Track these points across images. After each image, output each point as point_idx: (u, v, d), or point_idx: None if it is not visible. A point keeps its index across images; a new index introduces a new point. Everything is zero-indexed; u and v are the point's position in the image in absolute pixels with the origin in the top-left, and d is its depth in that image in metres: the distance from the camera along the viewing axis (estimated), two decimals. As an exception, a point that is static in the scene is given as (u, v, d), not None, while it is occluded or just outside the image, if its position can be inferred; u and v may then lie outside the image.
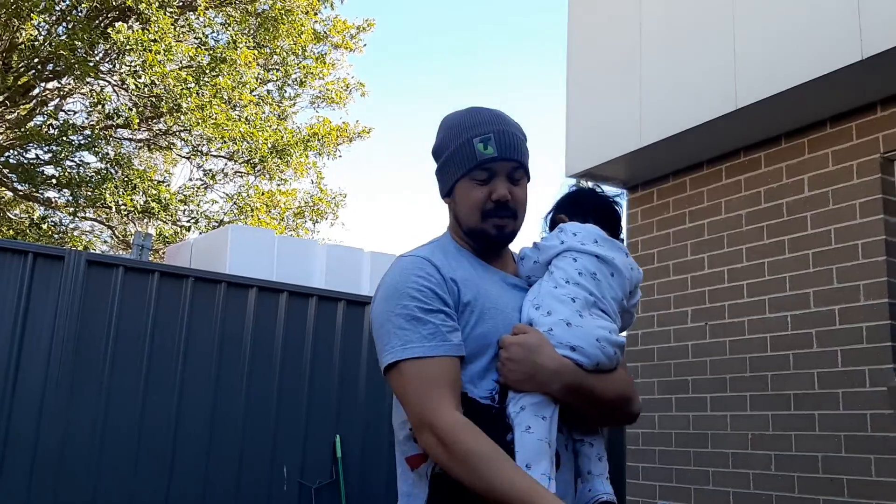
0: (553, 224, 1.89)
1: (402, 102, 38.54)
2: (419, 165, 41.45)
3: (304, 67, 14.97)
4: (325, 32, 15.00)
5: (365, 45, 15.68)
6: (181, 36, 13.51)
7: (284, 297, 6.08)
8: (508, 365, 1.60)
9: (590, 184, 1.90)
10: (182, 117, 12.34)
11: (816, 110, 4.85)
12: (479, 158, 1.70)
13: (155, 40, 11.67)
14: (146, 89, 12.21)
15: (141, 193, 12.93)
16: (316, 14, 14.68)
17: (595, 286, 1.69)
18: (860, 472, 4.43)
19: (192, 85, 12.21)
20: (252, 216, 14.15)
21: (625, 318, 1.80)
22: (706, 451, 5.52)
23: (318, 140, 14.48)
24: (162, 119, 13.43)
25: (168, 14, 12.42)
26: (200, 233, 13.23)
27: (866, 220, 4.57)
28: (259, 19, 14.13)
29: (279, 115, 14.78)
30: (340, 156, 15.37)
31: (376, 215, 36.28)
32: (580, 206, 1.90)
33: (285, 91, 15.23)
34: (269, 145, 13.34)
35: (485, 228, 1.72)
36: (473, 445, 1.52)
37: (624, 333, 1.80)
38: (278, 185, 14.81)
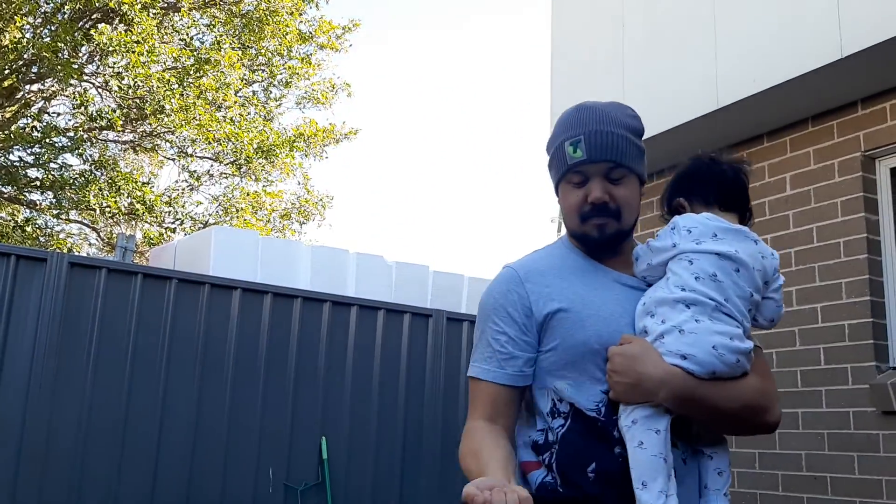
0: (671, 206, 1.78)
1: (389, 103, 38.53)
2: (407, 166, 41.43)
3: (289, 68, 14.94)
4: (310, 33, 14.96)
5: (351, 45, 15.68)
6: (165, 37, 13.45)
7: (269, 299, 6.06)
8: (613, 377, 1.56)
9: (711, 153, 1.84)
10: (166, 119, 12.28)
11: (797, 109, 4.87)
12: (569, 163, 1.67)
13: (138, 42, 11.61)
14: (130, 91, 12.15)
15: (126, 195, 12.86)
16: (301, 14, 14.65)
17: (716, 289, 1.56)
18: (843, 469, 4.45)
19: (176, 86, 12.15)
20: (238, 217, 14.10)
21: (767, 308, 1.67)
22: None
23: (305, 141, 14.46)
24: (146, 121, 13.38)
25: (151, 15, 12.36)
26: (186, 234, 13.17)
27: (848, 217, 4.60)
28: (244, 20, 14.09)
29: (265, 116, 14.74)
30: (327, 157, 15.39)
31: (363, 216, 36.24)
32: (700, 182, 1.75)
33: (271, 92, 15.20)
34: (255, 146, 13.31)
35: (586, 231, 1.68)
36: (465, 444, 1.65)
37: (767, 330, 1.73)
38: (264, 186, 14.78)
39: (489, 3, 45.07)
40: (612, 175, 1.65)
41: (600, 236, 1.66)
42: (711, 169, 1.76)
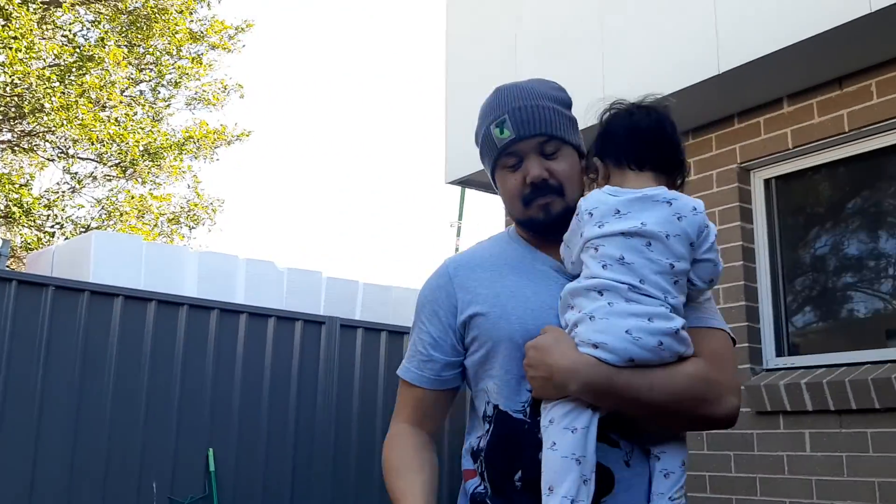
0: (588, 168, 1.61)
1: (283, 105, 37.95)
2: (301, 169, 40.88)
3: (179, 68, 14.50)
4: (201, 32, 14.57)
5: (244, 46, 15.34)
6: (46, 33, 12.82)
7: (153, 307, 5.84)
8: (529, 371, 1.43)
9: (629, 100, 1.60)
10: (46, 118, 11.71)
11: (680, 122, 5.06)
12: (498, 146, 1.56)
13: (16, 37, 11.03)
14: (7, 88, 11.53)
15: (2, 198, 12.18)
16: (192, 13, 14.25)
17: (626, 272, 1.39)
18: (721, 468, 4.63)
19: (57, 84, 11.60)
20: (122, 222, 13.56)
21: (702, 270, 1.47)
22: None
23: (194, 143, 14.05)
24: (25, 120, 12.71)
25: (31, 10, 11.76)
26: (66, 239, 12.58)
27: (725, 226, 4.80)
28: (131, 17, 13.59)
29: (152, 117, 14.25)
30: (218, 159, 14.99)
31: (256, 221, 35.53)
32: (612, 139, 1.56)
33: (159, 92, 14.70)
34: (141, 148, 12.84)
35: (531, 215, 1.56)
36: (387, 455, 1.62)
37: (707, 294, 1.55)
38: (151, 189, 14.27)
39: (387, 7, 45.09)
40: (546, 150, 1.55)
41: (546, 217, 1.54)
42: (623, 122, 1.57)
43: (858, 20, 3.74)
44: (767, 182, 4.84)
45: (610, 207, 1.44)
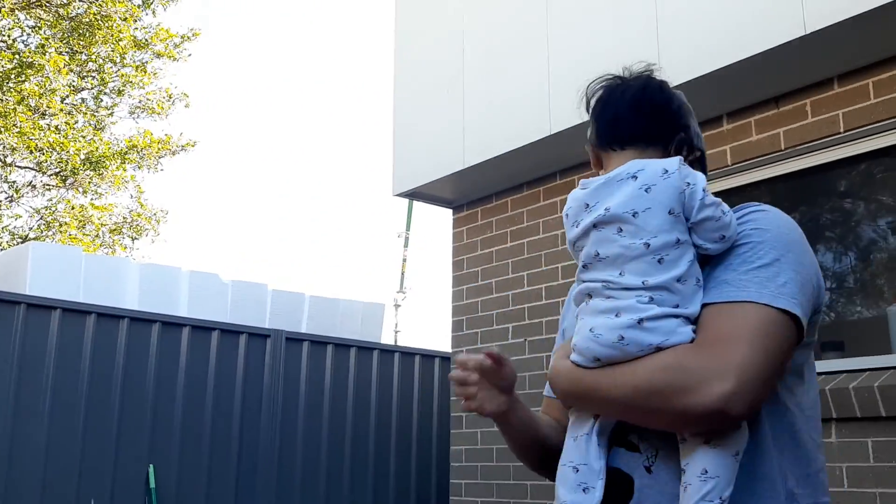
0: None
1: (228, 114, 37.54)
2: (247, 180, 40.43)
3: (122, 76, 14.24)
4: (146, 40, 14.34)
5: (190, 55, 15.13)
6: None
7: (92, 320, 5.71)
8: None
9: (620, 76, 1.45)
10: (-18, 125, 11.40)
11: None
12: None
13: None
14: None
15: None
16: (136, 21, 14.02)
17: (604, 267, 1.29)
18: None
19: (-5, 90, 11.31)
20: (62, 232, 13.24)
21: (704, 230, 1.28)
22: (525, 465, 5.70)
23: (138, 152, 13.80)
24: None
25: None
26: (3, 250, 12.22)
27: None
28: (73, 24, 13.31)
29: (94, 126, 13.95)
30: (162, 169, 14.72)
31: (201, 232, 35.02)
32: (595, 124, 1.45)
33: (101, 100, 14.42)
34: (82, 156, 12.56)
35: None
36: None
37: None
38: (92, 199, 13.97)
39: (335, 18, 45.00)
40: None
41: None
42: (600, 100, 1.45)
43: (794, 41, 3.86)
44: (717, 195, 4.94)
45: (579, 202, 1.35)
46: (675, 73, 4.36)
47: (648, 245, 1.26)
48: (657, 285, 1.25)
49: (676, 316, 1.25)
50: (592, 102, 1.45)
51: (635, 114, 1.39)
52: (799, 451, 1.30)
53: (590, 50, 4.93)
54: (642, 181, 1.29)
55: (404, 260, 17.19)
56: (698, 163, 1.43)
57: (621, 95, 1.41)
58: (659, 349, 1.22)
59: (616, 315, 1.25)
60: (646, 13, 4.62)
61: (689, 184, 1.28)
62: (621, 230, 1.27)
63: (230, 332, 6.41)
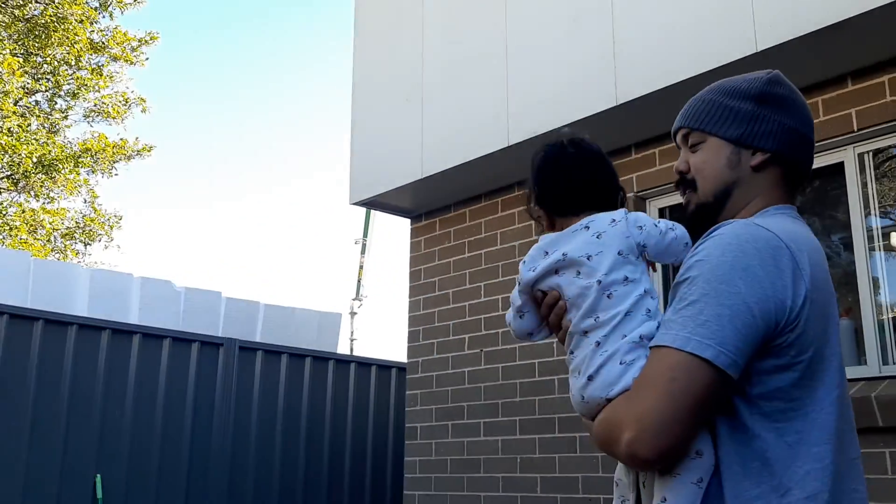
0: (531, 213, 1.63)
1: (186, 120, 37.14)
2: (203, 186, 39.98)
3: (78, 79, 14.00)
4: (103, 43, 14.12)
5: (147, 59, 14.94)
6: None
7: (40, 326, 5.58)
8: None
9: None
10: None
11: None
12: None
13: None
14: None
15: None
16: (93, 24, 13.80)
17: (573, 310, 1.45)
18: (548, 469, 4.93)
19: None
20: (12, 237, 12.94)
21: (653, 248, 1.47)
22: (479, 475, 5.67)
23: (92, 156, 13.56)
24: None
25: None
26: (-50, 254, 11.90)
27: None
28: (28, 25, 13.06)
29: (48, 129, 13.69)
30: (117, 174, 14.49)
31: (156, 238, 34.53)
32: (551, 195, 1.55)
33: (56, 103, 14.15)
34: (35, 160, 12.30)
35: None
36: None
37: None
38: (44, 203, 13.68)
39: (294, 26, 44.87)
40: (689, 141, 1.56)
41: (686, 214, 1.56)
42: (557, 173, 1.57)
43: (747, 58, 3.93)
44: (662, 211, 5.00)
45: (539, 251, 1.50)
46: (631, 86, 4.41)
47: (600, 282, 1.41)
48: (606, 321, 1.39)
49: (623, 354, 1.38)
50: (546, 170, 1.57)
51: (594, 185, 1.54)
52: (773, 479, 1.29)
53: (548, 63, 4.97)
54: (594, 230, 1.46)
55: (361, 267, 17.05)
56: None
57: (585, 171, 1.55)
58: (608, 401, 1.35)
59: (578, 374, 1.41)
60: (602, 29, 4.66)
61: (640, 227, 1.46)
62: (579, 273, 1.43)
63: (182, 341, 6.31)
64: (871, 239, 4.13)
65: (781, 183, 1.51)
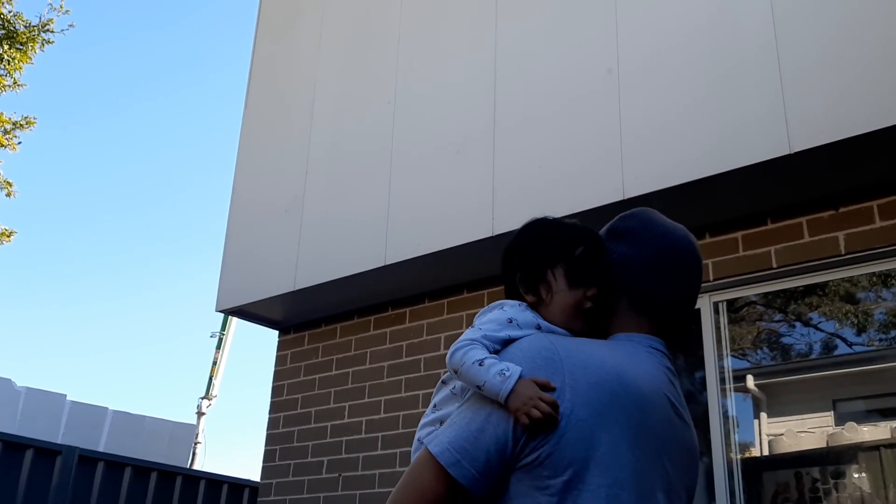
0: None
1: (54, 210, 35.56)
2: (60, 281, 37.79)
3: (-62, 157, 13.23)
4: (-28, 123, 13.46)
5: (20, 143, 14.30)
6: None
7: None
8: None
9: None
10: None
11: (455, 275, 5.25)
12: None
13: None
14: None
15: None
16: (-37, 103, 13.18)
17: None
18: None
19: None
20: None
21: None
22: None
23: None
24: None
25: None
26: None
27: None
28: None
29: None
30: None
31: (4, 332, 32.18)
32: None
33: None
34: None
35: None
36: None
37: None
38: None
39: (178, 121, 44.49)
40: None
41: None
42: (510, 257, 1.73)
43: (614, 204, 4.13)
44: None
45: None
46: (509, 222, 4.53)
47: (445, 382, 1.63)
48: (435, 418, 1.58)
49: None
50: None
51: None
52: None
53: (430, 187, 5.08)
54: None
55: (215, 363, 15.95)
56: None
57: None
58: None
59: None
60: (484, 160, 4.82)
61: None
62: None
63: (14, 446, 5.78)
64: (723, 381, 4.30)
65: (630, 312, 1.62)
